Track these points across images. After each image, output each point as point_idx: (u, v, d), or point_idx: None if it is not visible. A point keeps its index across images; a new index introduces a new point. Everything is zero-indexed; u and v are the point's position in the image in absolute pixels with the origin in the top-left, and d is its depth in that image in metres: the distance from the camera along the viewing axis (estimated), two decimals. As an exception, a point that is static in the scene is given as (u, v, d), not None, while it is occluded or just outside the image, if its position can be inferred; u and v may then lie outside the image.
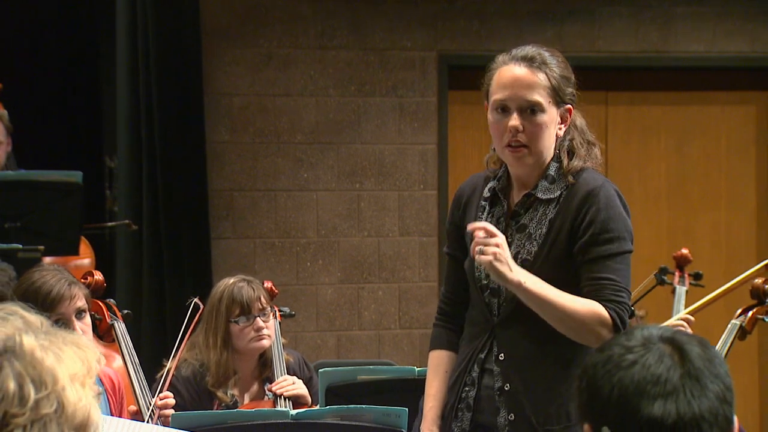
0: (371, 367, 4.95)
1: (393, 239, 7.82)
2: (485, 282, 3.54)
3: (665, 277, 5.34)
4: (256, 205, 7.69)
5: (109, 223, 7.47)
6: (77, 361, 1.90)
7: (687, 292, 5.77)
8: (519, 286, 3.35)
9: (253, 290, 4.82)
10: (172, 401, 4.35)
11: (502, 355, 3.50)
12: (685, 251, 5.92)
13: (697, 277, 5.85)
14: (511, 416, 3.48)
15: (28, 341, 1.87)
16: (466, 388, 3.56)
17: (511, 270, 3.33)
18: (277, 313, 4.98)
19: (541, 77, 3.51)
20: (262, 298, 4.83)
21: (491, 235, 3.34)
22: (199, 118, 7.50)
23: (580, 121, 3.65)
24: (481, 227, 3.36)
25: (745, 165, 8.30)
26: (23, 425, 1.83)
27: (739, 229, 8.28)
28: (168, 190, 7.36)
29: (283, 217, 7.71)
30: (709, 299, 5.50)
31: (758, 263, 5.76)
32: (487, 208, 3.60)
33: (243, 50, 7.66)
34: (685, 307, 5.61)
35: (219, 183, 7.63)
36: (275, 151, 7.70)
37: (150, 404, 4.25)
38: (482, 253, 3.32)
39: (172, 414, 4.28)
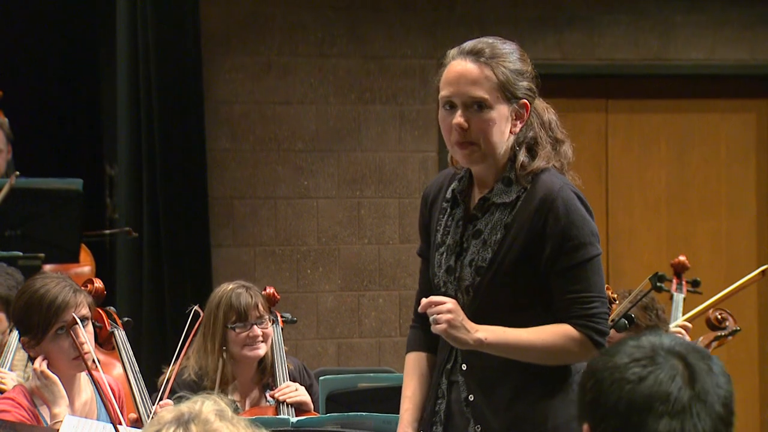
0: (372, 374, 4.95)
1: (393, 246, 7.82)
2: (443, 290, 3.45)
3: (662, 285, 5.33)
4: (257, 213, 7.69)
5: (110, 231, 7.48)
6: None
7: (684, 299, 5.77)
8: (481, 344, 3.30)
9: (251, 297, 4.81)
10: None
11: (465, 365, 3.42)
12: (682, 258, 5.91)
13: (695, 284, 5.84)
14: (477, 427, 3.39)
15: (207, 409, 2.11)
16: (438, 401, 3.48)
17: (468, 331, 3.28)
18: (279, 320, 4.98)
19: (487, 72, 3.34)
20: (260, 306, 4.82)
21: (440, 303, 3.29)
22: (200, 126, 7.50)
23: (549, 116, 3.46)
24: (427, 303, 3.31)
25: (745, 172, 8.30)
26: None
27: (739, 236, 8.28)
28: (168, 198, 7.36)
29: (284, 224, 7.71)
30: (706, 306, 5.51)
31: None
32: (449, 210, 3.48)
33: (243, 58, 7.66)
34: (683, 314, 5.61)
35: (219, 191, 7.63)
36: (275, 159, 7.71)
37: (150, 412, 4.25)
38: (437, 322, 3.28)
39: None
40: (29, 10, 7.98)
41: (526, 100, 3.38)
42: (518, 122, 3.38)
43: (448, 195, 3.51)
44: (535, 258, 3.32)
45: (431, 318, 3.30)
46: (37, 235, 5.82)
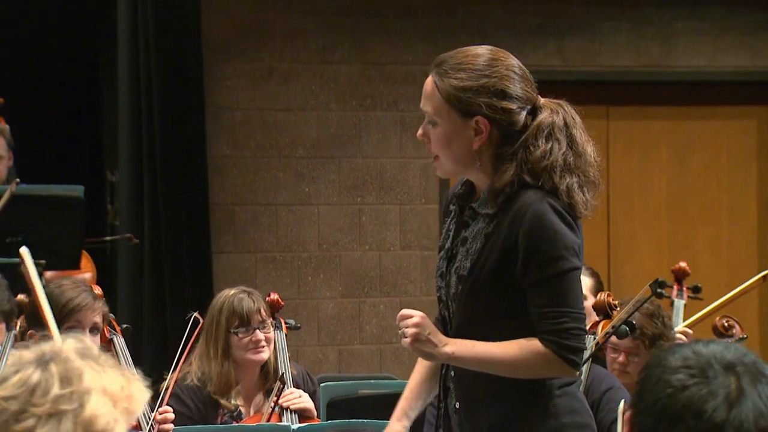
0: (373, 381, 4.95)
1: (394, 253, 7.82)
2: (437, 294, 3.44)
3: (663, 291, 5.33)
4: (258, 220, 7.69)
5: (111, 237, 7.48)
6: (116, 383, 2.01)
7: (685, 305, 5.77)
8: (449, 358, 3.26)
9: (253, 302, 4.82)
10: (171, 416, 4.35)
11: (453, 372, 3.38)
12: (683, 264, 5.91)
13: (695, 290, 5.84)
14: None
15: (68, 347, 2.02)
16: (441, 404, 3.44)
17: (435, 345, 3.24)
18: (283, 326, 4.98)
19: (435, 86, 3.27)
20: (262, 310, 4.84)
21: (408, 317, 3.27)
22: (201, 132, 7.50)
23: (547, 120, 3.33)
24: (398, 317, 3.29)
25: (746, 179, 8.31)
26: (39, 415, 1.95)
27: (740, 243, 8.28)
28: (169, 204, 7.36)
29: (285, 231, 7.71)
30: (706, 312, 5.51)
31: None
32: (452, 214, 3.45)
33: (244, 64, 7.67)
34: (684, 321, 5.61)
35: (220, 197, 7.63)
36: (276, 166, 7.71)
37: (149, 418, 4.25)
38: (404, 336, 3.26)
39: (173, 428, 4.28)
40: (30, 17, 7.98)
41: (481, 116, 3.25)
42: (478, 137, 3.26)
43: (453, 200, 3.47)
44: (510, 270, 3.24)
45: (399, 332, 3.28)
46: (37, 242, 5.80)
